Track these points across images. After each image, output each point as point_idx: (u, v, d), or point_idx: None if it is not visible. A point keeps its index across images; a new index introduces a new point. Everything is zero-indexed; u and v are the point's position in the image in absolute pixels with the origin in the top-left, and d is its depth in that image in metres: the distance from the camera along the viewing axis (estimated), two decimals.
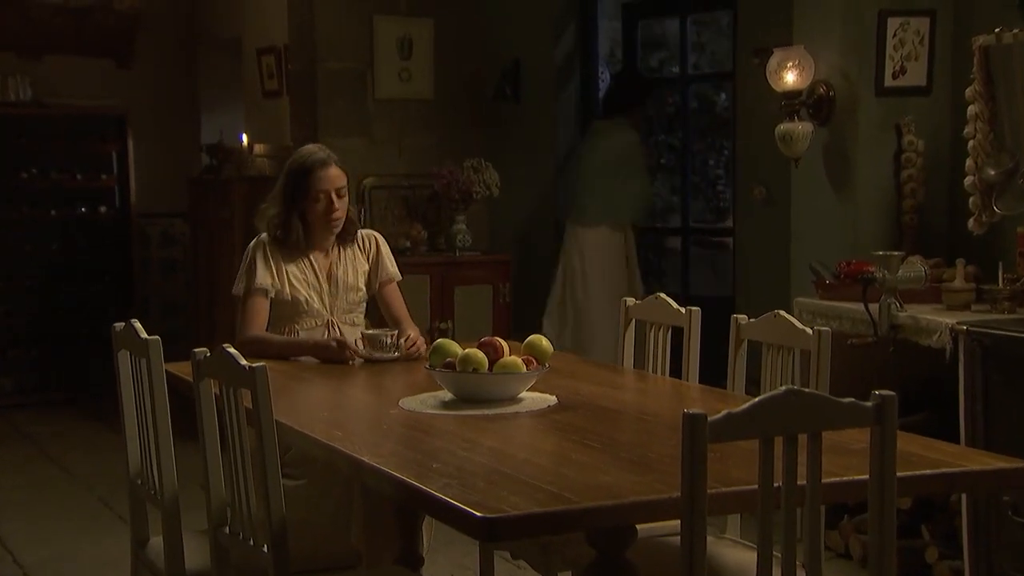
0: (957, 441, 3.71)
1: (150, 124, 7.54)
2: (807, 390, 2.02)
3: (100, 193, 7.51)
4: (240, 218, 5.95)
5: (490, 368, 2.75)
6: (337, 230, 3.48)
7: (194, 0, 7.76)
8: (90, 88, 7.39)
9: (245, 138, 6.48)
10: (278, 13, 6.19)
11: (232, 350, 2.46)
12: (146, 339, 2.71)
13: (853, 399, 1.99)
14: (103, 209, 7.47)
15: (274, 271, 3.43)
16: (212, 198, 6.33)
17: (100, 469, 5.54)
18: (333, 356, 3.30)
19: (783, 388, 1.97)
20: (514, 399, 2.74)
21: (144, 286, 7.64)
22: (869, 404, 1.99)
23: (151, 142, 7.54)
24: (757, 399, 1.94)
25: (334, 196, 3.42)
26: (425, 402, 2.77)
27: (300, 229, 3.45)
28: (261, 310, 3.42)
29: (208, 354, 2.55)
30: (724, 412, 1.90)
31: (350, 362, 3.28)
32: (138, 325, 2.78)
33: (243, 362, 2.40)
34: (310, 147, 3.57)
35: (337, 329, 3.47)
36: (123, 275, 7.51)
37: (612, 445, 2.43)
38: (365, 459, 2.29)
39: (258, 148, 6.21)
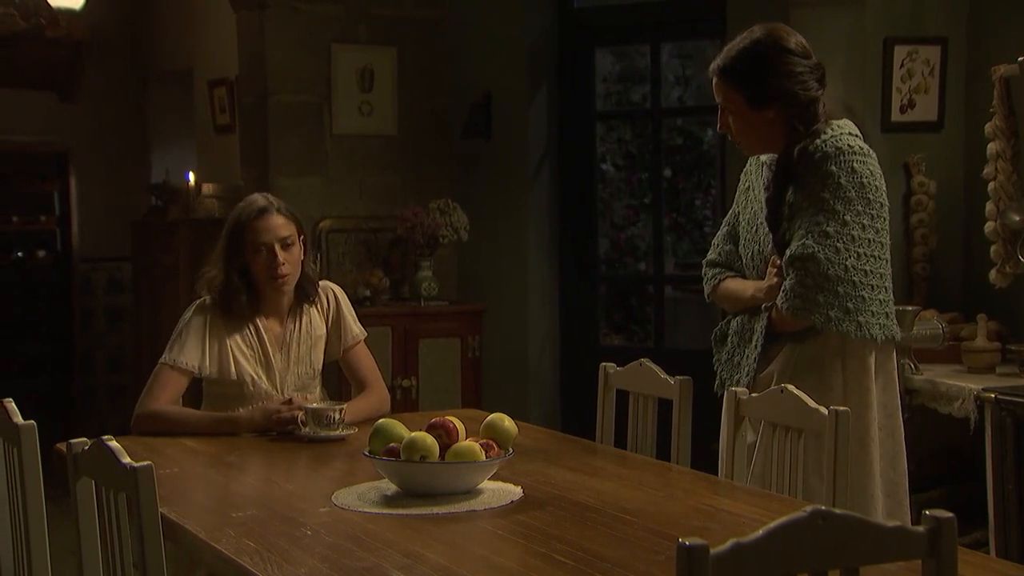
0: (984, 524, 3.30)
1: (95, 162, 7.08)
2: (839, 511, 1.55)
3: (39, 236, 7.06)
4: (185, 264, 5.54)
5: (442, 455, 2.34)
6: (286, 288, 3.05)
7: (143, 29, 7.31)
8: (29, 123, 6.92)
9: (192, 177, 6.02)
10: (231, 41, 5.76)
11: (114, 443, 1.99)
12: (19, 424, 2.23)
13: (900, 523, 1.54)
14: (42, 254, 7.03)
15: (207, 347, 3.01)
16: (156, 242, 5.92)
17: None
18: (282, 423, 2.91)
19: (808, 509, 1.51)
20: (470, 492, 2.34)
21: (88, 337, 7.15)
22: (922, 529, 1.54)
23: (96, 181, 7.08)
24: (774, 524, 1.49)
25: (277, 248, 2.99)
26: (364, 496, 2.35)
27: (243, 293, 3.02)
28: (170, 384, 2.98)
29: (87, 446, 2.07)
30: (731, 543, 1.45)
31: (296, 431, 2.89)
32: (12, 406, 2.30)
33: (125, 460, 1.93)
34: (253, 196, 3.16)
35: None
36: (63, 325, 7.03)
37: (586, 559, 1.98)
38: None
39: (207, 188, 5.76)
